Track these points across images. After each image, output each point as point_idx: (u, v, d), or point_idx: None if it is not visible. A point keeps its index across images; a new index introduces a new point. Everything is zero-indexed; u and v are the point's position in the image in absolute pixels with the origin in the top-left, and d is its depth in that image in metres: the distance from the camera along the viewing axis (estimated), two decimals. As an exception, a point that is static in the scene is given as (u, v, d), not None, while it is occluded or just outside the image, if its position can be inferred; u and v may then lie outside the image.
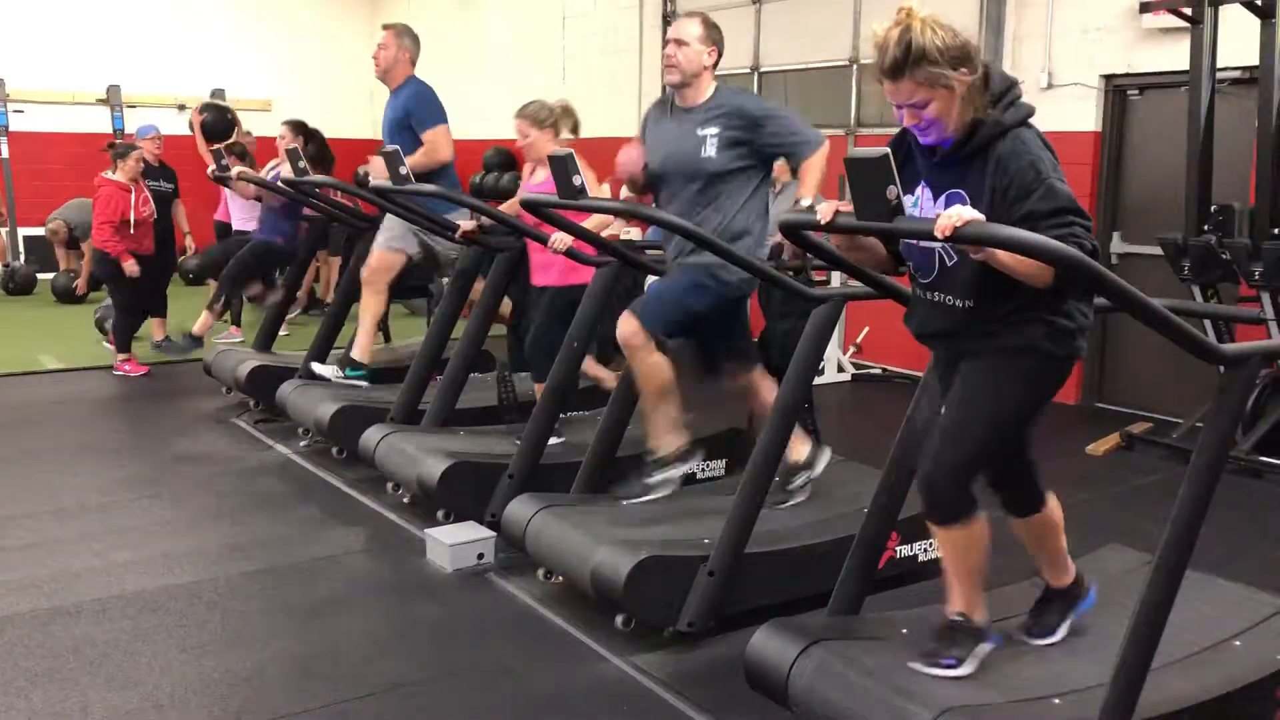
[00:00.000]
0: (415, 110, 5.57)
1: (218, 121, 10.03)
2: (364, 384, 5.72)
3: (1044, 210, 2.39)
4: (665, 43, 3.93)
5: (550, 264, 4.82)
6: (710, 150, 3.79)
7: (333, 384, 5.77)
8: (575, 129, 4.95)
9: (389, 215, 5.74)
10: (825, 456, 4.16)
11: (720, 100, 3.87)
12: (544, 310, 4.90)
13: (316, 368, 5.86)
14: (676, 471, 4.04)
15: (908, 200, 2.53)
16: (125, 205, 7.26)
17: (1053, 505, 2.91)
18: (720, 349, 4.11)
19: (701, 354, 4.16)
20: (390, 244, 5.74)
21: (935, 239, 2.23)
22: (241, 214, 8.16)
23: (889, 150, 2.23)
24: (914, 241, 2.61)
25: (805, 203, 3.82)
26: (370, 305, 5.79)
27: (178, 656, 3.40)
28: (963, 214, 2.19)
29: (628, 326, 3.86)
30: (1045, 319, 2.53)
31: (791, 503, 4.04)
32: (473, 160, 11.11)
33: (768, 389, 4.06)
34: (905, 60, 2.41)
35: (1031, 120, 2.54)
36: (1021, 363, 2.58)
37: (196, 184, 9.27)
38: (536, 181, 4.94)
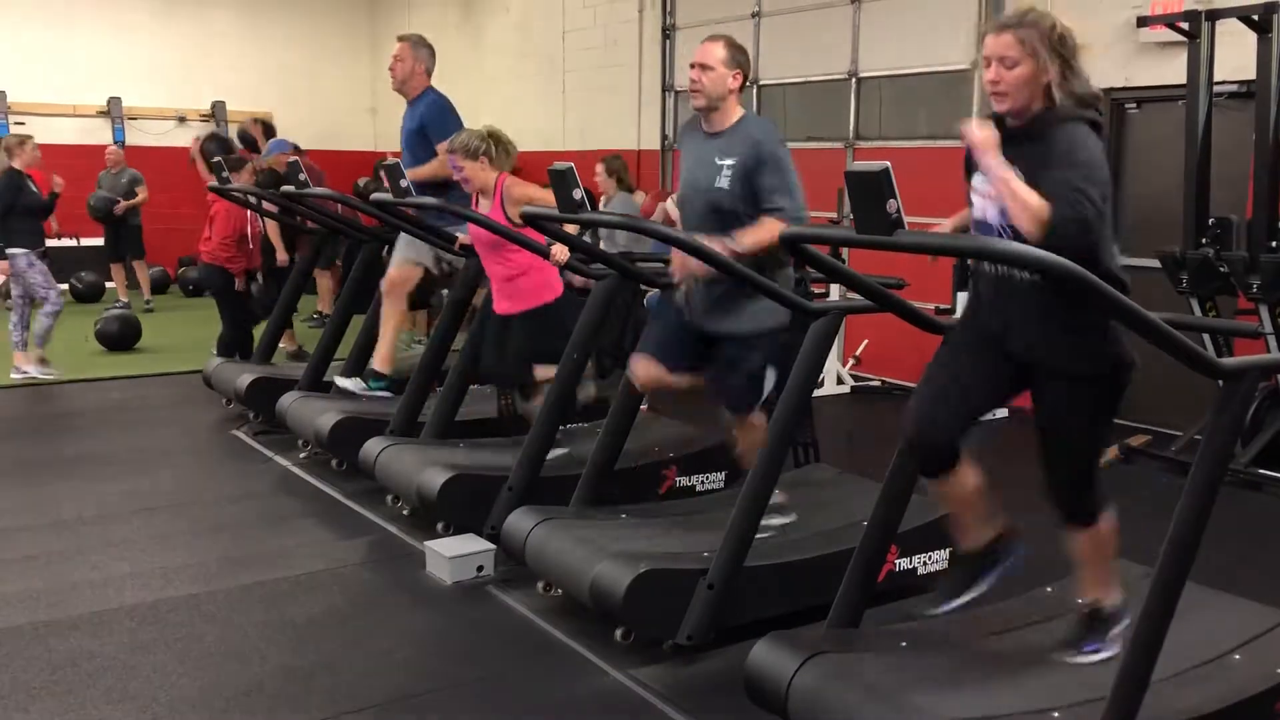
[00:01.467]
0: (431, 121, 5.60)
1: (218, 152, 10.09)
2: (388, 394, 5.67)
3: (1059, 175, 2.51)
4: (690, 65, 3.84)
5: (514, 292, 4.80)
6: (724, 182, 3.71)
7: (332, 396, 5.76)
8: (509, 154, 4.82)
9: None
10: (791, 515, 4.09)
11: (743, 131, 3.76)
12: (522, 331, 4.83)
13: (340, 382, 5.81)
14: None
15: (979, 176, 2.70)
16: (243, 222, 7.38)
17: (1108, 520, 2.95)
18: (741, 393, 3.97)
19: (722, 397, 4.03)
20: (408, 257, 5.75)
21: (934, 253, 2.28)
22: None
23: (888, 165, 2.25)
24: (982, 218, 2.73)
25: (731, 243, 3.58)
26: (391, 317, 5.78)
27: (176, 669, 3.40)
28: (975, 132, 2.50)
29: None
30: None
31: (769, 533, 3.88)
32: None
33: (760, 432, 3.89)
34: (1020, 20, 2.65)
35: (1098, 132, 2.66)
36: (1095, 388, 2.75)
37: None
38: (482, 213, 4.85)
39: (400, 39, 5.80)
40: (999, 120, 2.73)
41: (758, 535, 3.62)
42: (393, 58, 5.75)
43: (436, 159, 5.51)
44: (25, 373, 7.69)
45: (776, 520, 3.96)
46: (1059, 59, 2.62)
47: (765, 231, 3.57)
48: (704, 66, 3.76)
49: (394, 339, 5.85)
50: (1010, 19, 2.67)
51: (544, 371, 4.81)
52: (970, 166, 2.80)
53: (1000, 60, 2.64)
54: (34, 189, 7.77)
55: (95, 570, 4.22)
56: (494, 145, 4.76)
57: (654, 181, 9.76)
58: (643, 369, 3.94)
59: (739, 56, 3.81)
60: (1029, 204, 2.47)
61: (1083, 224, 2.47)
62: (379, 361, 5.79)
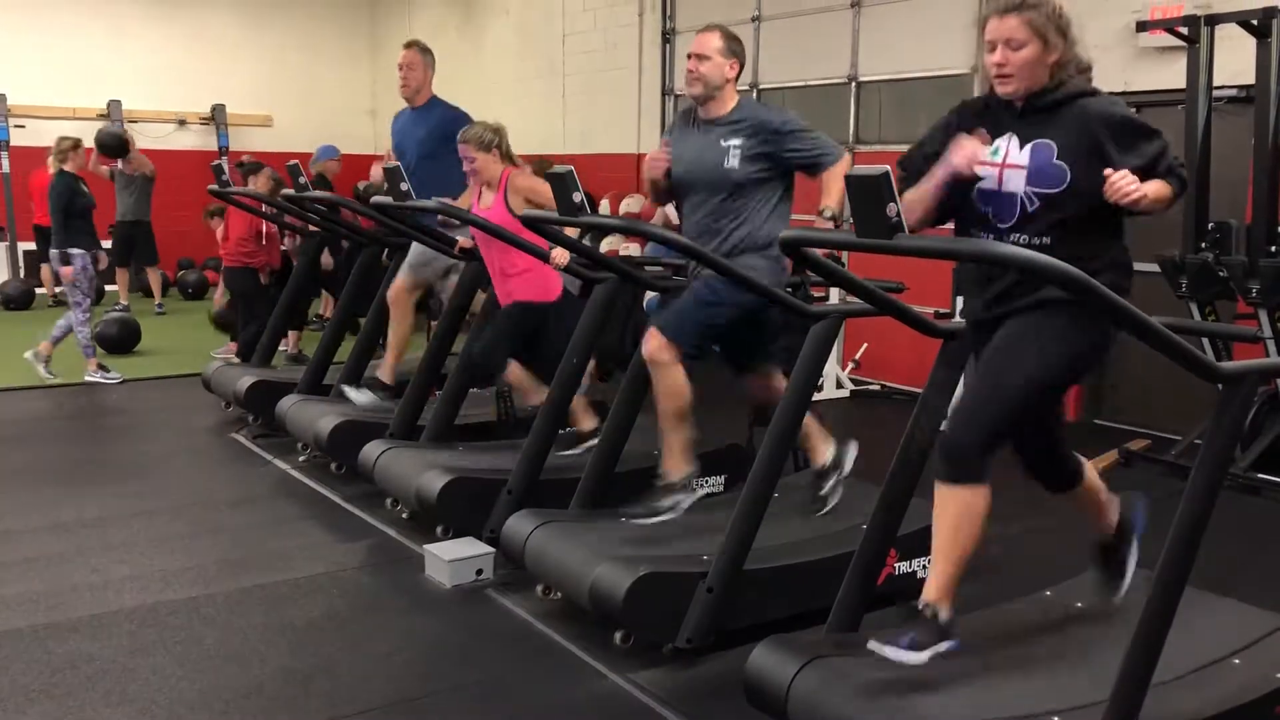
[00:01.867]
0: (455, 131, 5.51)
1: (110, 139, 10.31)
2: (394, 403, 5.55)
3: (1151, 149, 2.62)
4: (688, 56, 3.94)
5: (512, 289, 4.85)
6: (734, 162, 3.83)
7: (332, 400, 5.75)
8: (505, 154, 4.91)
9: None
10: (853, 451, 4.20)
11: (743, 113, 3.91)
12: (507, 317, 4.89)
13: (348, 391, 5.70)
14: (686, 499, 4.01)
15: (986, 150, 2.75)
16: (258, 218, 7.41)
17: (1090, 471, 3.07)
18: (743, 353, 4.14)
19: (727, 357, 4.18)
20: (419, 272, 5.72)
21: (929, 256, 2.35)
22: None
23: (888, 169, 2.26)
24: (995, 189, 2.75)
25: (827, 212, 3.85)
26: (399, 325, 5.73)
27: (175, 672, 3.40)
28: (1129, 182, 2.50)
29: (654, 342, 3.86)
30: (1112, 256, 2.73)
31: (829, 507, 4.07)
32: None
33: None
34: (1023, 1, 2.68)
35: None
36: (1060, 319, 2.67)
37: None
38: (485, 205, 4.91)
39: (408, 46, 5.77)
40: (1005, 103, 2.76)
41: (826, 508, 3.99)
42: (404, 67, 5.71)
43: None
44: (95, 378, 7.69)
45: (831, 481, 4.14)
46: (1063, 35, 2.69)
47: (835, 181, 3.82)
48: (701, 56, 3.87)
49: (402, 349, 5.79)
50: (1014, 1, 2.69)
51: (514, 372, 4.83)
52: (935, 153, 2.81)
53: (1006, 43, 2.68)
54: (86, 191, 7.82)
55: (94, 573, 4.22)
56: (504, 138, 4.86)
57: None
58: (650, 339, 3.91)
59: (735, 46, 3.93)
60: (1163, 196, 2.58)
61: (1184, 180, 2.63)
62: (384, 372, 5.74)
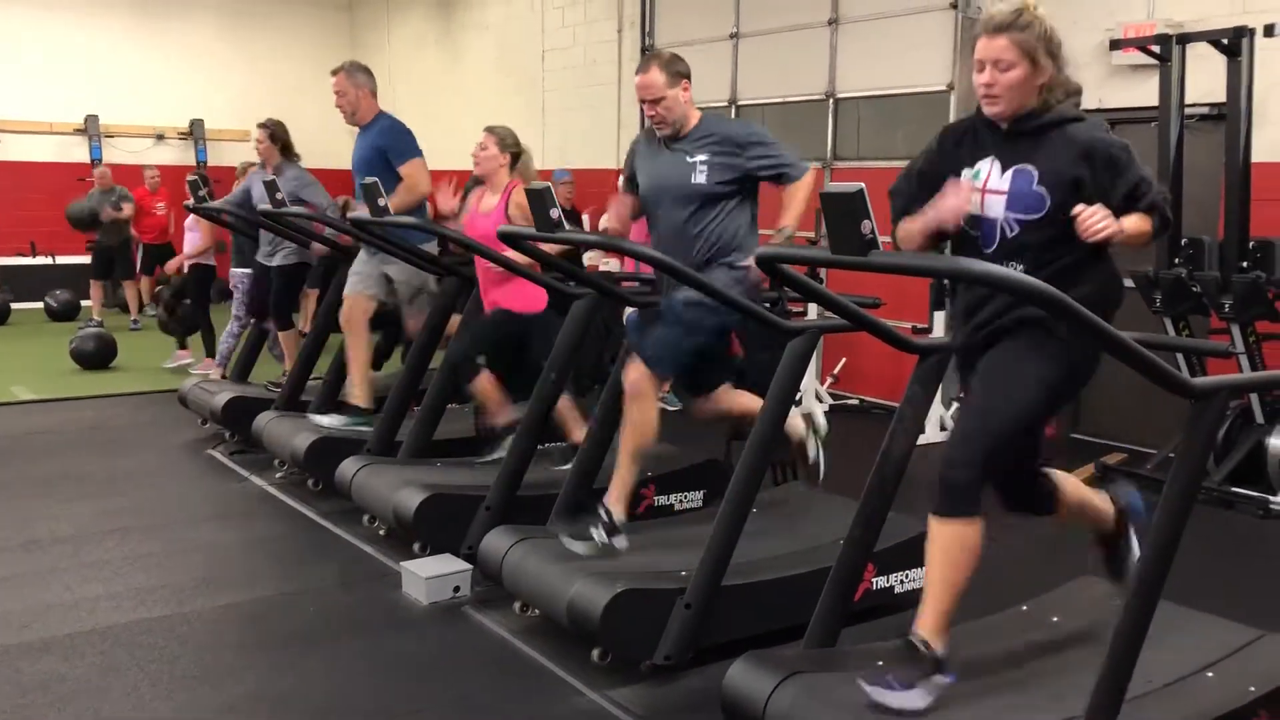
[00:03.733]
0: (391, 144, 5.50)
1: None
2: (368, 428, 5.45)
3: (1134, 180, 2.62)
4: (640, 102, 3.93)
5: (500, 294, 4.85)
6: (700, 177, 3.85)
7: (309, 417, 5.72)
8: (525, 173, 4.96)
9: (358, 258, 5.67)
10: (819, 414, 4.26)
11: (708, 129, 3.93)
12: (489, 320, 4.88)
13: (316, 419, 5.59)
14: (618, 541, 3.85)
15: (968, 172, 2.76)
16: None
17: (1066, 484, 3.04)
18: (709, 373, 4.14)
19: (690, 379, 4.17)
20: (357, 289, 5.61)
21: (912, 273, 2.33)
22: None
23: (863, 186, 2.27)
24: (979, 213, 2.75)
25: (785, 232, 3.86)
26: (355, 349, 5.63)
27: (149, 692, 3.36)
28: (1099, 219, 2.49)
29: (636, 373, 3.86)
30: (1096, 279, 2.71)
31: (820, 477, 4.16)
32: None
33: (742, 396, 4.16)
34: (1013, 21, 2.67)
35: None
36: (1045, 343, 2.68)
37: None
38: (486, 209, 4.93)
39: (334, 72, 5.66)
40: (991, 124, 2.76)
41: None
42: (335, 92, 5.61)
43: (402, 185, 5.38)
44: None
45: (812, 449, 4.20)
46: (1052, 58, 2.68)
47: (796, 201, 3.86)
48: (654, 101, 3.86)
49: (364, 372, 5.70)
50: (1004, 20, 2.68)
51: (483, 383, 4.82)
52: (943, 171, 2.82)
53: (995, 63, 2.67)
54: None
55: (68, 591, 4.17)
56: (522, 155, 4.97)
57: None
58: (632, 371, 3.90)
59: (675, 67, 3.91)
60: (1141, 231, 2.58)
61: (1167, 218, 2.62)
62: (356, 396, 5.64)
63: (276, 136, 6.75)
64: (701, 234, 3.89)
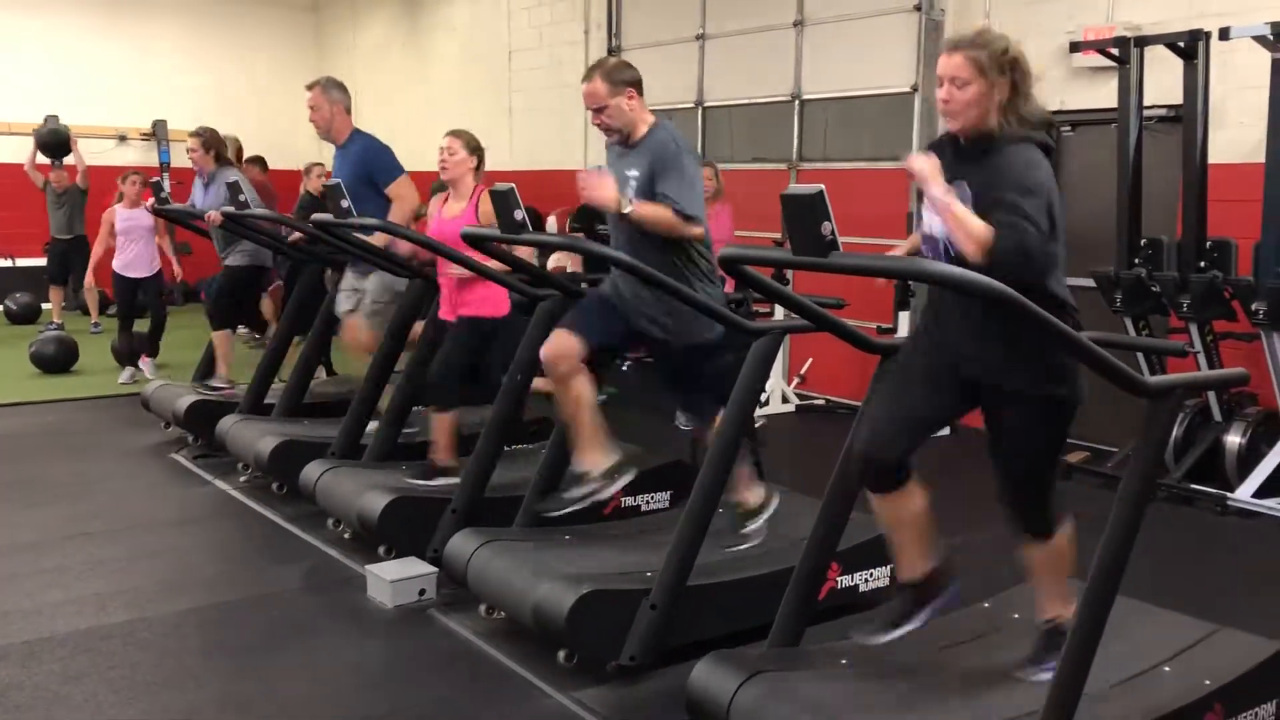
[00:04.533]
0: (375, 163, 5.43)
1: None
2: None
3: (1009, 200, 2.56)
4: (587, 109, 3.89)
5: (462, 301, 4.80)
6: (630, 192, 3.75)
7: (273, 419, 5.69)
8: (480, 168, 4.92)
9: (346, 276, 5.61)
10: (776, 500, 4.14)
11: (649, 140, 3.82)
12: (458, 337, 4.84)
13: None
14: (607, 491, 3.91)
15: (936, 164, 2.70)
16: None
17: (1068, 527, 3.01)
18: (704, 392, 4.03)
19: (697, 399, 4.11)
20: (348, 307, 5.58)
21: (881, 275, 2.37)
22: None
23: (822, 187, 2.29)
24: (928, 231, 2.78)
25: (627, 205, 3.64)
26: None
27: (110, 699, 3.33)
28: (921, 167, 2.55)
29: (554, 351, 3.83)
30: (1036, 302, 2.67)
31: (745, 545, 4.01)
32: (419, 193, 11.08)
33: None
34: (971, 40, 2.73)
35: (1048, 155, 2.76)
36: (1049, 409, 2.78)
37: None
38: (452, 214, 4.87)
39: (309, 87, 5.57)
40: (955, 140, 2.80)
41: (742, 546, 3.95)
42: (309, 107, 5.53)
43: (396, 205, 5.34)
44: None
45: (756, 524, 4.09)
46: (1008, 81, 2.69)
47: (660, 214, 3.66)
48: (598, 110, 3.82)
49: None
50: (964, 39, 2.74)
51: (445, 422, 4.80)
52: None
53: (952, 80, 2.71)
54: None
55: (27, 598, 4.12)
56: (481, 156, 4.93)
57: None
58: (554, 339, 3.84)
59: (618, 76, 3.81)
60: (971, 230, 2.51)
61: (1024, 252, 2.51)
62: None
63: (210, 144, 6.70)
64: (641, 248, 3.74)
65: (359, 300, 5.58)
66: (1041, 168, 2.68)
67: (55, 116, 12.32)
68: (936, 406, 2.92)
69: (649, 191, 3.72)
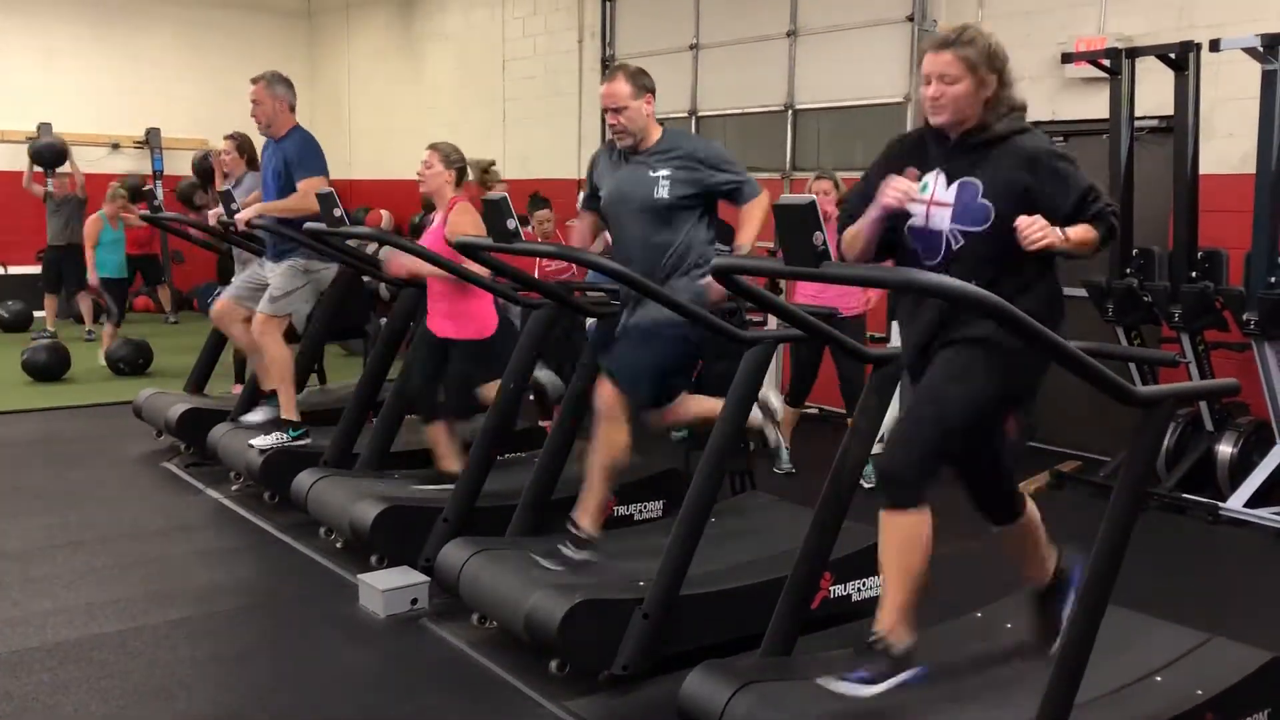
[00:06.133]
0: (298, 156, 5.44)
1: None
2: (307, 439, 5.43)
3: (1079, 189, 2.68)
4: (604, 111, 3.96)
5: (456, 314, 4.82)
6: (663, 191, 3.88)
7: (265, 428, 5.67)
8: (461, 181, 4.94)
9: (281, 268, 5.55)
10: (775, 400, 4.23)
11: (670, 143, 3.95)
12: (463, 367, 4.86)
13: (258, 443, 5.35)
14: (588, 556, 3.88)
15: (916, 185, 2.78)
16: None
17: (1031, 507, 3.04)
18: (669, 384, 4.11)
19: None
20: (230, 295, 5.73)
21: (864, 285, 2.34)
22: None
23: (814, 198, 2.30)
24: (923, 226, 2.80)
25: (743, 249, 3.91)
26: (272, 363, 5.57)
27: (99, 710, 3.31)
28: (1038, 230, 2.55)
29: (607, 395, 3.87)
30: (1041, 290, 2.76)
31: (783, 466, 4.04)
32: (412, 201, 11.10)
33: (700, 401, 4.17)
34: (957, 38, 2.76)
35: None
36: (992, 350, 2.71)
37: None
38: (431, 226, 4.95)
39: (254, 81, 5.58)
40: (939, 135, 2.82)
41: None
42: (251, 101, 5.54)
43: (298, 193, 5.34)
44: None
45: (772, 435, 4.13)
46: (996, 73, 2.74)
47: (752, 221, 3.93)
48: (617, 110, 3.88)
49: (291, 383, 5.56)
50: (949, 37, 2.77)
51: (437, 434, 4.87)
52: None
53: (940, 77, 2.74)
54: None
55: (16, 607, 4.10)
56: (468, 170, 4.93)
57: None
58: (603, 390, 3.90)
59: (641, 82, 3.95)
60: (1088, 242, 2.63)
61: (1114, 227, 2.67)
62: (286, 410, 5.54)
63: (244, 149, 6.71)
64: (663, 247, 3.92)
65: (255, 290, 5.66)
66: (1054, 145, 2.77)
67: (48, 124, 12.30)
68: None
69: (687, 184, 3.88)
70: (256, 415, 5.70)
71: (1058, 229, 2.59)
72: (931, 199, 2.79)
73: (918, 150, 2.89)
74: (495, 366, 4.61)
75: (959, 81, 2.73)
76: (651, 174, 3.91)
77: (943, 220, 2.76)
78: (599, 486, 3.93)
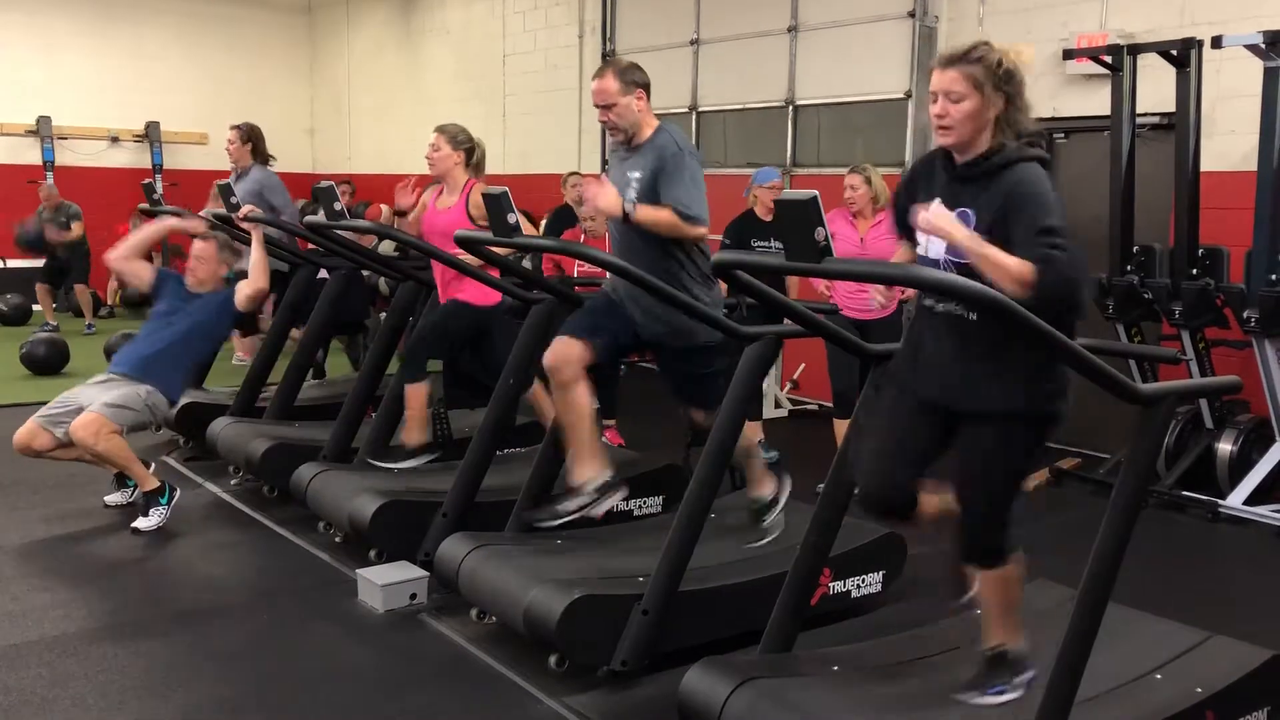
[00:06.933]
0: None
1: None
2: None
3: (1035, 225, 2.52)
4: (595, 108, 3.89)
5: (460, 287, 4.85)
6: (631, 193, 3.77)
7: (264, 422, 5.66)
8: (480, 167, 4.97)
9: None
10: (788, 486, 4.18)
11: (654, 142, 3.83)
12: (442, 314, 4.88)
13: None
14: (599, 508, 3.88)
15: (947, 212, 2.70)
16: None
17: (1018, 559, 2.89)
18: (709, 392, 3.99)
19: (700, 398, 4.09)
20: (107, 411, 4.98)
21: (857, 279, 2.32)
22: None
23: (816, 194, 2.29)
24: (923, 253, 2.75)
25: (628, 206, 3.69)
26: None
27: (98, 703, 3.30)
28: (936, 217, 2.49)
29: (560, 352, 3.80)
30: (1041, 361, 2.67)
31: (766, 539, 4.04)
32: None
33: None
34: (965, 55, 2.68)
35: (1047, 169, 2.70)
36: (1021, 431, 2.73)
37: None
38: (445, 205, 4.94)
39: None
40: (948, 159, 2.75)
41: (764, 540, 3.98)
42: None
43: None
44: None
45: (771, 515, 4.12)
46: (1004, 95, 2.65)
47: (664, 217, 3.68)
48: (606, 107, 3.82)
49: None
50: (957, 54, 2.69)
51: (417, 394, 4.88)
52: (907, 204, 2.81)
53: (946, 95, 2.67)
54: None
55: (14, 601, 4.09)
56: (476, 151, 4.94)
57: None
58: (557, 345, 3.80)
59: (631, 76, 3.83)
60: (1010, 270, 2.45)
61: (1067, 281, 2.47)
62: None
63: (248, 138, 6.70)
64: (637, 251, 3.75)
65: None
66: (1048, 185, 2.62)
67: (48, 118, 12.29)
68: (926, 438, 2.84)
69: (651, 192, 3.73)
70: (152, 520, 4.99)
71: (973, 235, 2.51)
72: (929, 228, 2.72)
73: (927, 174, 2.83)
74: (499, 343, 4.64)
75: (964, 100, 2.64)
76: (628, 174, 3.82)
77: (938, 249, 2.69)
78: (583, 440, 3.83)
